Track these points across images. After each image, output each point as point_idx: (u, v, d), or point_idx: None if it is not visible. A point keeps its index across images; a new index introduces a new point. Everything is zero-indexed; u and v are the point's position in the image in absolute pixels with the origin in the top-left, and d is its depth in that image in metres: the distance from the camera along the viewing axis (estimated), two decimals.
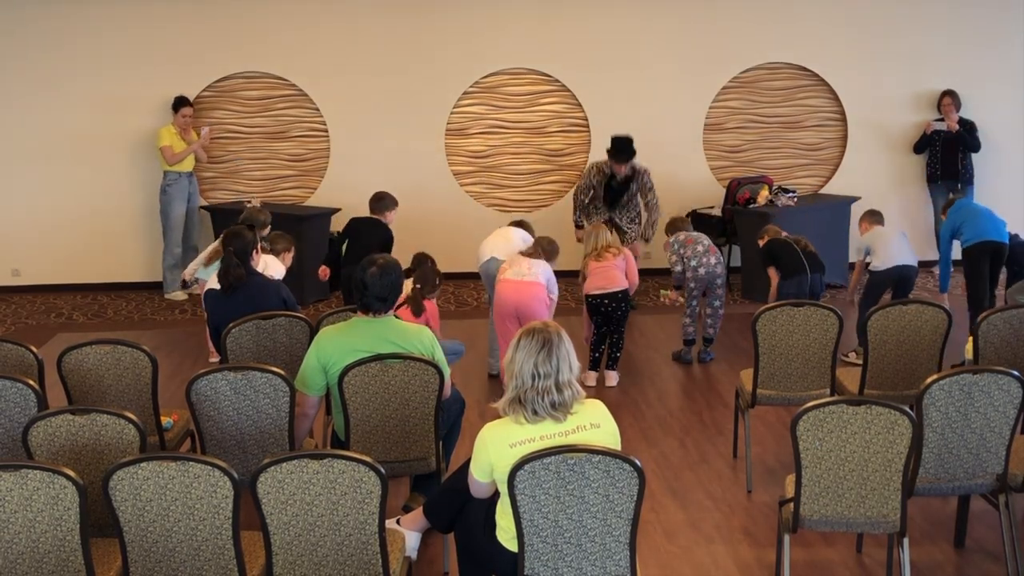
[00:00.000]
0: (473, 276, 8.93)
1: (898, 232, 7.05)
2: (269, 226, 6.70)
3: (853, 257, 8.18)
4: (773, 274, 6.66)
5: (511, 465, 3.14)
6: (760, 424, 5.78)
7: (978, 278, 6.86)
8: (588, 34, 9.29)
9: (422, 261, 6.12)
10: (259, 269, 5.41)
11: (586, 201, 7.99)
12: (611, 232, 6.76)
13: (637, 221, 8.03)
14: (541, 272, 6.12)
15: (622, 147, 7.72)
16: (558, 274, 6.36)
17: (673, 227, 7.12)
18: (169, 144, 8.72)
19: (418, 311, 5.58)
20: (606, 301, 6.42)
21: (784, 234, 6.81)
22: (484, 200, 9.59)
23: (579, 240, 8.14)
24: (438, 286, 5.82)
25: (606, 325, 6.54)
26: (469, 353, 6.79)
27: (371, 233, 6.75)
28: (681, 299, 7.03)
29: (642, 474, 3.15)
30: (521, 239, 6.61)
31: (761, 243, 6.87)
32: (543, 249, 6.29)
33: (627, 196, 7.87)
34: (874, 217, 7.12)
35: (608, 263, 6.43)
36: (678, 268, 6.90)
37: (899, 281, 6.83)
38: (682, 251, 6.89)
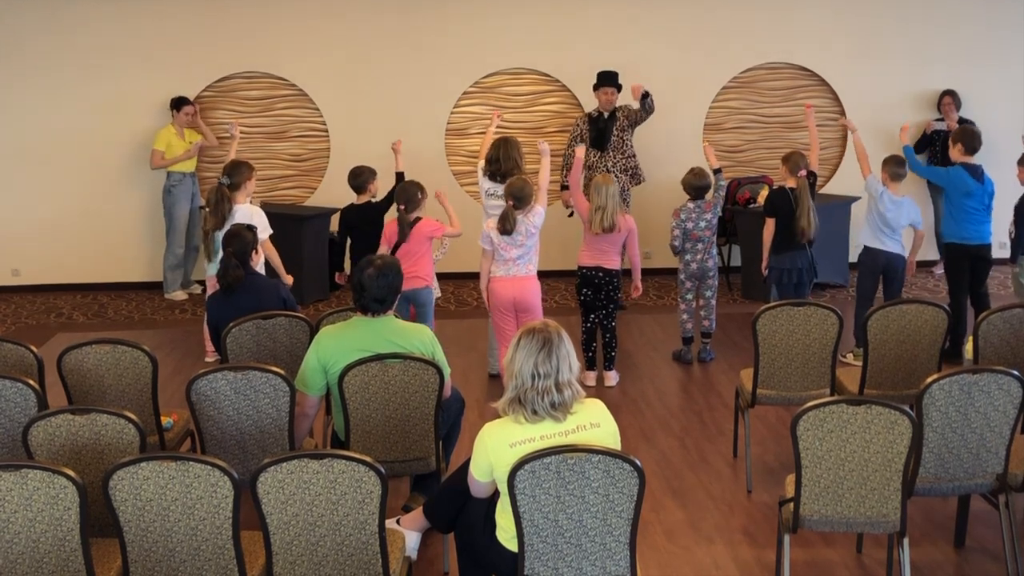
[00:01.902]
0: (473, 276, 8.93)
1: (904, 214, 6.63)
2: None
3: (853, 257, 8.16)
4: (770, 226, 6.64)
5: (511, 465, 3.14)
6: (760, 424, 5.78)
7: (958, 287, 6.77)
8: (588, 34, 9.29)
9: (400, 183, 6.20)
10: (242, 219, 5.86)
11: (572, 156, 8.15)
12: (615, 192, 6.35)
13: (628, 171, 8.20)
14: (532, 259, 6.00)
15: (607, 75, 8.09)
16: (550, 275, 6.27)
17: (691, 187, 6.80)
18: (162, 148, 8.71)
19: (404, 233, 5.93)
20: (600, 274, 6.37)
21: (802, 173, 6.55)
22: None
23: (565, 204, 8.26)
24: (422, 199, 6.06)
25: (594, 309, 6.46)
26: (469, 353, 6.81)
27: (368, 221, 6.68)
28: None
29: (642, 474, 3.15)
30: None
31: (783, 168, 6.71)
32: (517, 198, 5.84)
33: (616, 131, 8.04)
34: (898, 170, 6.64)
35: (606, 244, 6.34)
36: (676, 243, 6.86)
37: (887, 270, 6.71)
38: (686, 224, 6.78)
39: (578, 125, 8.38)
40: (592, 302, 6.46)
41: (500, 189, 6.32)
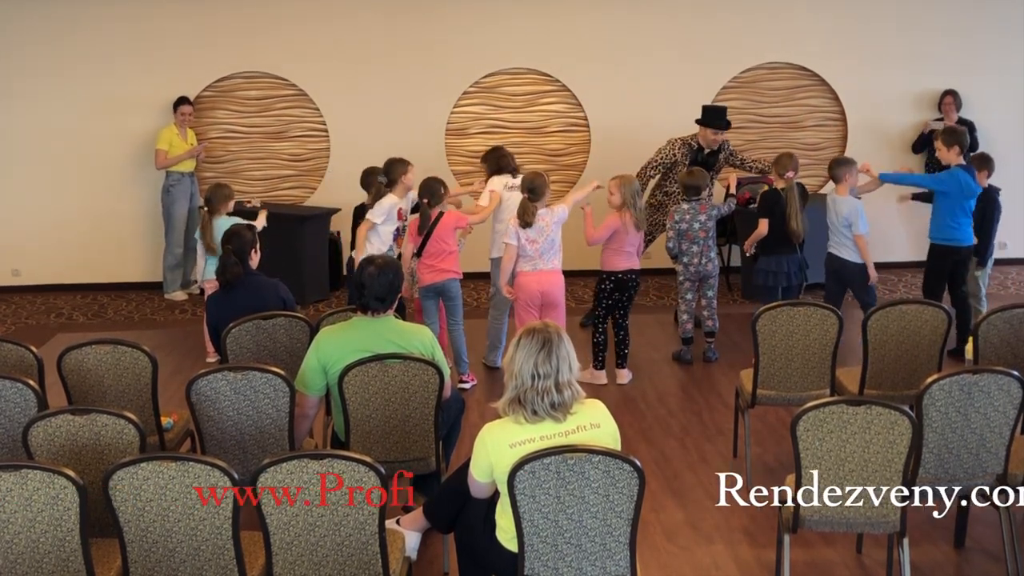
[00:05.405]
0: (473, 276, 8.93)
1: (838, 212, 6.54)
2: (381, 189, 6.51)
3: None
4: (764, 226, 6.63)
5: (511, 465, 3.14)
6: (760, 424, 5.78)
7: (938, 277, 6.71)
8: (588, 34, 9.29)
9: (425, 182, 6.34)
10: (381, 211, 6.22)
11: (653, 180, 7.77)
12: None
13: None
14: (557, 254, 6.17)
15: (721, 114, 7.62)
16: (572, 275, 6.35)
17: (685, 186, 6.84)
18: (165, 148, 8.72)
19: (425, 227, 6.11)
20: (633, 276, 6.47)
21: (790, 175, 6.58)
22: None
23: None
24: (445, 193, 6.24)
25: (616, 310, 6.51)
26: (469, 354, 6.79)
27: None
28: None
29: (642, 474, 3.15)
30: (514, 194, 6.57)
31: (772, 174, 6.76)
32: (530, 189, 6.08)
33: (714, 171, 7.60)
34: (835, 171, 6.59)
35: (628, 246, 6.41)
36: (671, 245, 6.85)
37: (840, 275, 6.57)
38: (680, 226, 6.78)
39: (675, 150, 7.57)
40: (616, 304, 6.50)
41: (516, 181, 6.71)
